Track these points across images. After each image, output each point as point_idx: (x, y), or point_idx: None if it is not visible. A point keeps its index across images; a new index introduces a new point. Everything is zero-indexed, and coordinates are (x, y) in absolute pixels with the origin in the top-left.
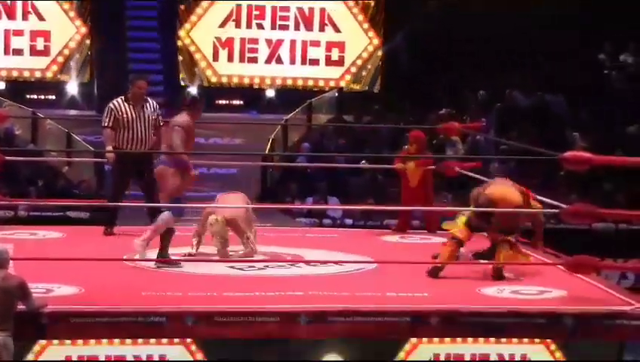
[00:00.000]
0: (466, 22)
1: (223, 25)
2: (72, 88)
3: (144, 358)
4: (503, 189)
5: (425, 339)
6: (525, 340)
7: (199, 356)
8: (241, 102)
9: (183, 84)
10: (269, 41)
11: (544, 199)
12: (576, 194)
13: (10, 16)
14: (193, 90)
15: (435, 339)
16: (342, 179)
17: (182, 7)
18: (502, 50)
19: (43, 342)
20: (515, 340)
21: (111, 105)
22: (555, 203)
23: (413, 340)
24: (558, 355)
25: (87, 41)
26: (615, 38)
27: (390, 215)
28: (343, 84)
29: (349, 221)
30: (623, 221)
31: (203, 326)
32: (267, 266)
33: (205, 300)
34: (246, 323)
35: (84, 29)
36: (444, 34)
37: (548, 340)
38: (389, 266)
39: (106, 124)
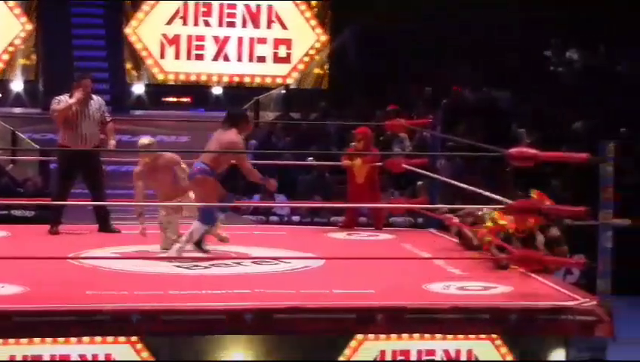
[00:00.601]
0: (414, 18)
1: (169, 22)
2: (17, 86)
3: (89, 357)
4: None
5: (371, 336)
6: (471, 336)
7: (145, 354)
8: (188, 100)
9: (129, 81)
10: (216, 38)
11: (489, 194)
12: (522, 191)
13: None
14: (138, 88)
15: (382, 336)
16: (289, 177)
17: (128, 3)
18: (449, 45)
19: None
20: (461, 336)
21: (57, 98)
22: (501, 198)
23: (359, 337)
24: (504, 350)
25: (33, 39)
26: (561, 35)
27: (337, 212)
28: (290, 81)
29: (296, 218)
30: (568, 217)
31: (148, 324)
32: (213, 264)
33: (151, 298)
34: (191, 321)
35: (29, 27)
36: (392, 30)
37: (493, 335)
38: (336, 263)
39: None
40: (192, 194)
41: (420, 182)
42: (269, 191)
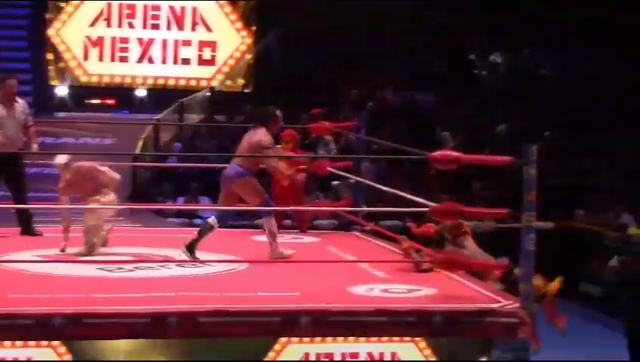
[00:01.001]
0: (340, 21)
1: (93, 24)
2: None
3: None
4: None
5: (295, 339)
6: (395, 338)
7: (67, 358)
8: (113, 102)
9: (52, 83)
10: (140, 40)
11: (413, 198)
12: (447, 193)
13: None
14: (62, 90)
15: (306, 339)
16: (214, 180)
17: (52, 4)
18: (374, 48)
19: None
20: (385, 338)
21: None
22: (425, 201)
23: (283, 340)
24: (427, 352)
25: None
26: (485, 38)
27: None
28: (215, 83)
29: None
30: (491, 219)
31: (71, 328)
32: (137, 267)
33: (73, 302)
34: (115, 324)
35: None
36: (317, 32)
37: (417, 338)
38: (261, 266)
39: None
40: (112, 196)
41: (335, 182)
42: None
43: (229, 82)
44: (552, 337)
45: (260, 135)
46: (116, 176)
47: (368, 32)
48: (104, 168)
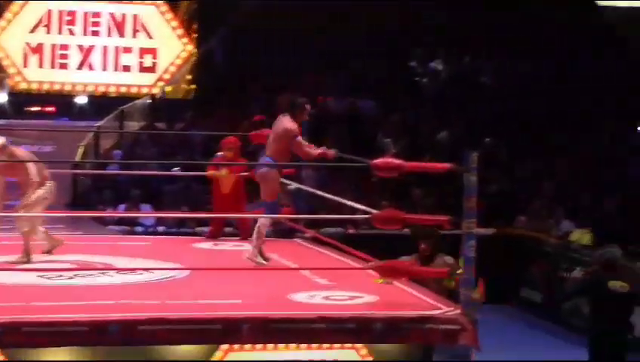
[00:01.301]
0: (279, 27)
1: (33, 30)
2: None
3: None
4: None
5: (236, 346)
6: (336, 345)
7: None
8: (52, 109)
9: None
10: (80, 47)
11: (354, 204)
12: (388, 200)
13: None
14: (1, 97)
15: (247, 346)
16: (155, 187)
17: None
18: (315, 53)
19: None
20: (326, 345)
21: None
22: (366, 208)
23: (224, 347)
24: (369, 359)
25: None
26: (425, 45)
27: (203, 222)
28: (156, 90)
29: (161, 228)
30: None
31: (10, 336)
32: (77, 275)
33: (12, 310)
34: (55, 333)
35: None
36: (258, 40)
37: (358, 345)
38: (202, 273)
39: None
40: (39, 192)
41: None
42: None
43: (169, 89)
44: (493, 342)
45: (285, 122)
46: (35, 178)
47: (310, 37)
48: (31, 165)
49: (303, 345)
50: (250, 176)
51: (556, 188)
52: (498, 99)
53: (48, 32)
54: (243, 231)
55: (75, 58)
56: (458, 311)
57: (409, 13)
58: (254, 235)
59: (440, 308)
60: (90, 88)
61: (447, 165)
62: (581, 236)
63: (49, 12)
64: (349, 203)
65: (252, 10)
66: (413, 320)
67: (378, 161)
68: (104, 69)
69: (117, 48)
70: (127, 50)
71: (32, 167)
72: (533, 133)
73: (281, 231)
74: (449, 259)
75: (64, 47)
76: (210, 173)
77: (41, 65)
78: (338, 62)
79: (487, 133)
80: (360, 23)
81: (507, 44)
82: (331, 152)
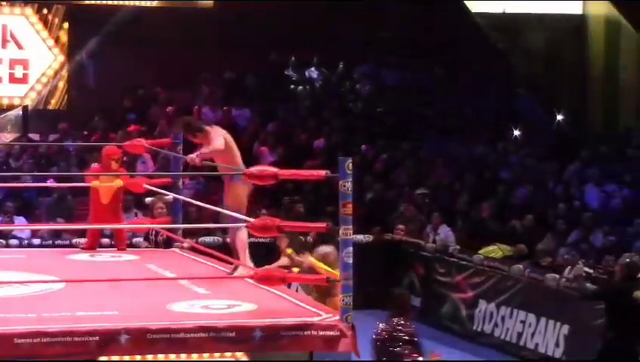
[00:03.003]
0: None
1: None
2: None
3: None
4: None
5: (115, 357)
6: (216, 354)
7: None
8: None
9: None
10: None
11: (231, 213)
12: (265, 207)
13: None
14: None
15: (126, 357)
16: (29, 199)
17: None
18: (186, 64)
19: None
20: (206, 355)
21: None
22: (243, 217)
23: (103, 359)
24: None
25: None
26: (300, 53)
27: (80, 234)
28: (28, 102)
29: (36, 241)
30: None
31: None
32: None
33: None
34: None
35: None
36: (131, 50)
37: (238, 353)
38: (79, 285)
39: None
40: None
41: (149, 199)
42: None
43: (42, 100)
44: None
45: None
46: None
47: (183, 47)
48: None
49: (182, 354)
50: (125, 186)
51: (432, 194)
52: (374, 105)
53: None
54: (119, 241)
55: None
56: (337, 318)
57: (285, 21)
58: (239, 251)
59: (319, 315)
60: None
61: (322, 172)
62: (494, 251)
63: None
64: (226, 212)
65: (123, 19)
66: (293, 327)
67: (253, 169)
68: None
69: None
70: None
71: None
72: (410, 139)
73: (158, 242)
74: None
75: None
76: (93, 183)
77: None
78: (212, 72)
79: (364, 140)
80: (234, 32)
81: (382, 50)
82: (193, 157)
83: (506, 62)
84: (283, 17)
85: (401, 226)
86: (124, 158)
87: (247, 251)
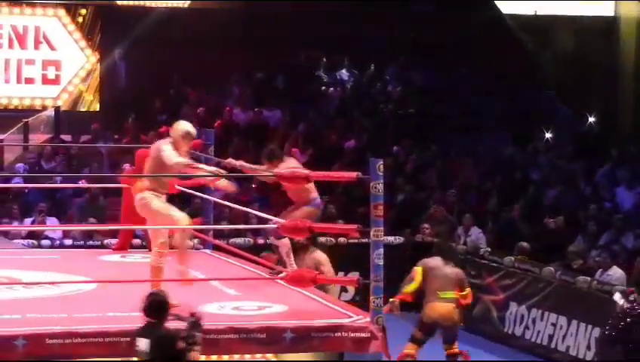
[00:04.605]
0: (183, 39)
1: None
2: None
3: None
4: None
5: None
6: (247, 356)
7: None
8: None
9: None
10: None
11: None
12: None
13: None
14: None
15: None
16: (62, 200)
17: None
18: (216, 65)
19: None
20: (236, 356)
21: None
22: (273, 218)
23: (134, 359)
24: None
25: None
26: (331, 54)
27: (112, 234)
28: (60, 103)
29: (68, 241)
30: (341, 235)
31: None
32: None
33: None
34: None
35: None
36: (162, 51)
37: (269, 354)
38: (110, 286)
39: None
40: None
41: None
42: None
43: (74, 101)
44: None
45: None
46: None
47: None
48: None
49: (213, 356)
50: None
51: (462, 195)
52: (405, 106)
53: None
54: (151, 242)
55: None
56: (367, 319)
57: (314, 21)
58: (284, 255)
59: (349, 316)
60: None
61: (353, 174)
62: None
63: None
64: (256, 212)
65: (154, 20)
66: (323, 328)
67: (285, 170)
68: (6, 81)
69: (19, 60)
70: (30, 62)
71: None
72: (439, 140)
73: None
74: (319, 255)
75: None
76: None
77: None
78: (242, 72)
79: (395, 141)
80: (249, 31)
81: (410, 52)
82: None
83: (537, 64)
84: (309, 17)
85: (426, 225)
86: None
87: (291, 255)
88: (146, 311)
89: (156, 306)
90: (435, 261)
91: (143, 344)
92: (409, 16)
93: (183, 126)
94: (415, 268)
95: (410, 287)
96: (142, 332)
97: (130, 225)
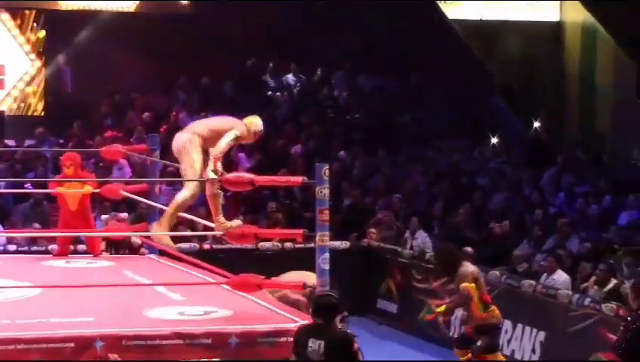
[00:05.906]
0: (128, 44)
1: None
2: None
3: None
4: None
5: None
6: (192, 361)
7: None
8: None
9: None
10: None
11: (206, 222)
12: (243, 214)
13: None
14: None
15: None
16: (5, 205)
17: None
18: (162, 70)
19: None
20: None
21: None
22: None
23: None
24: None
25: None
26: (277, 59)
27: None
28: (4, 107)
29: (12, 247)
30: (288, 240)
31: None
32: None
33: None
34: None
35: None
36: (106, 56)
37: (214, 360)
38: (54, 292)
39: None
40: None
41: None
42: None
43: (16, 106)
44: None
45: None
46: None
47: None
48: None
49: (157, 361)
50: (101, 192)
51: (408, 199)
52: (351, 111)
53: None
54: (92, 247)
55: None
56: None
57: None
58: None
59: (295, 321)
60: None
61: (298, 179)
62: None
63: None
64: (199, 220)
65: (100, 24)
66: (269, 334)
67: (230, 175)
68: None
69: None
70: None
71: None
72: (387, 146)
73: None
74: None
75: None
76: (55, 190)
77: None
78: (189, 77)
79: (341, 146)
80: (210, 39)
81: (359, 58)
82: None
83: (483, 69)
84: (260, 21)
85: (372, 230)
86: (100, 164)
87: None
88: (316, 311)
89: (328, 307)
90: (472, 266)
91: (316, 345)
92: (359, 23)
93: (260, 123)
94: (465, 284)
95: (477, 304)
96: (311, 333)
97: (68, 230)
